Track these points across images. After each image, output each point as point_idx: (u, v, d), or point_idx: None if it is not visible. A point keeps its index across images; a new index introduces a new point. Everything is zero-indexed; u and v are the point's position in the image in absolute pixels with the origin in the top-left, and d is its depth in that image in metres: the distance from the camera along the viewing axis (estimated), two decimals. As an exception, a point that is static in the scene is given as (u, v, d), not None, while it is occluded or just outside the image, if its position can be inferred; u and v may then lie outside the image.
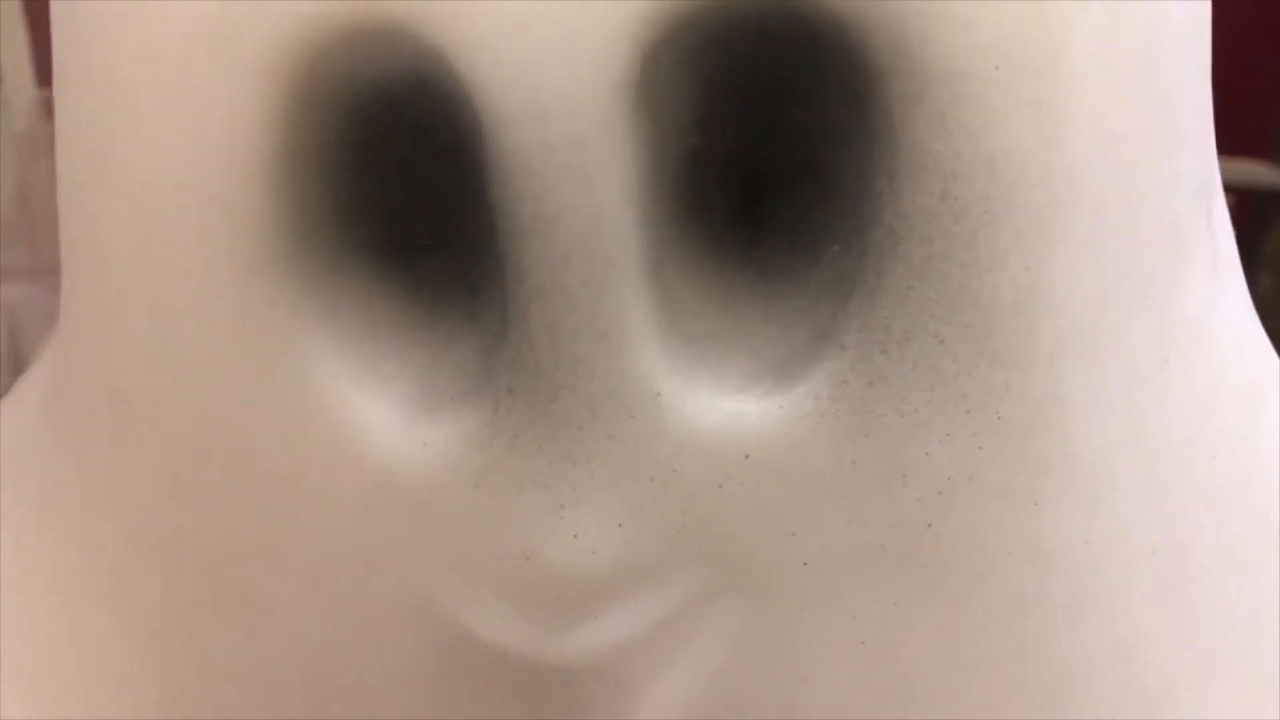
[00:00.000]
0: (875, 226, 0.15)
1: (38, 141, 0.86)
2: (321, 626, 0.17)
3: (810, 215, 0.15)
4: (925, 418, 0.16)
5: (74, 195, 0.18)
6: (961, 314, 0.15)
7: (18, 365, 0.84)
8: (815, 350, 0.16)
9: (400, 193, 0.15)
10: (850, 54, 0.14)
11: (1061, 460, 0.17)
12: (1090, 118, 0.15)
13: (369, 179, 0.15)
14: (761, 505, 0.16)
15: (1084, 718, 0.18)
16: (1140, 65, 0.16)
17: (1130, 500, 0.18)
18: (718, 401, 0.15)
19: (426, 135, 0.15)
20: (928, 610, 0.17)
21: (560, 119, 0.14)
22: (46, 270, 0.86)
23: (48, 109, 0.86)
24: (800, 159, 0.15)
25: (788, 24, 0.14)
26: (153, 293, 0.16)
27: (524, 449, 0.15)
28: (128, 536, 0.18)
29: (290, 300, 0.15)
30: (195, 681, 0.19)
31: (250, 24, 0.14)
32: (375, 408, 0.16)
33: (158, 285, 0.16)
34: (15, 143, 0.84)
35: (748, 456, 0.16)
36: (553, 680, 0.16)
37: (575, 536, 0.16)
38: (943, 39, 0.14)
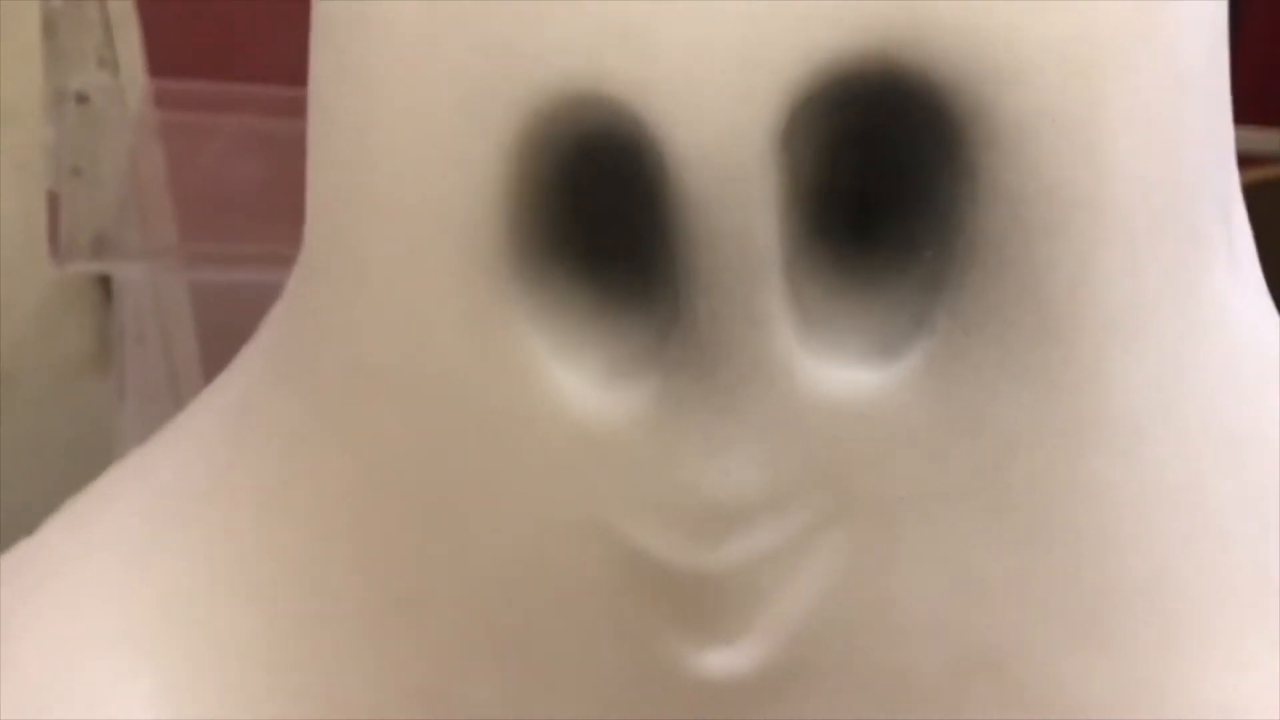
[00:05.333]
0: (959, 238, 0.19)
1: (148, 128, 0.92)
2: (525, 547, 0.22)
3: (910, 228, 0.20)
4: (997, 385, 0.20)
5: (328, 207, 0.23)
6: (1025, 304, 0.20)
7: (134, 337, 0.90)
8: (913, 332, 0.20)
9: (596, 213, 0.20)
10: (942, 110, 0.19)
11: (1104, 418, 0.21)
12: (1126, 155, 0.19)
13: (573, 203, 0.20)
14: (868, 452, 0.20)
15: (1121, 628, 0.23)
16: (1166, 113, 0.20)
17: (1160, 450, 0.22)
18: (837, 372, 0.20)
19: (619, 170, 0.19)
20: (996, 535, 0.21)
21: (724, 162, 0.18)
22: (158, 250, 0.91)
23: (159, 98, 0.91)
24: (904, 186, 0.20)
25: (896, 89, 0.18)
26: (401, 289, 0.21)
27: (689, 407, 0.20)
28: (363, 477, 0.23)
29: (510, 295, 0.20)
30: (413, 594, 0.24)
31: (490, 92, 0.19)
32: (573, 375, 0.20)
33: (406, 283, 0.21)
34: (129, 130, 0.89)
35: (859, 415, 0.20)
36: (706, 585, 0.21)
37: (726, 474, 0.20)
38: (1010, 98, 0.18)
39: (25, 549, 0.29)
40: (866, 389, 0.20)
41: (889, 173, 0.20)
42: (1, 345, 0.89)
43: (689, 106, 0.18)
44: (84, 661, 0.26)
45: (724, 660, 0.22)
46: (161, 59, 0.91)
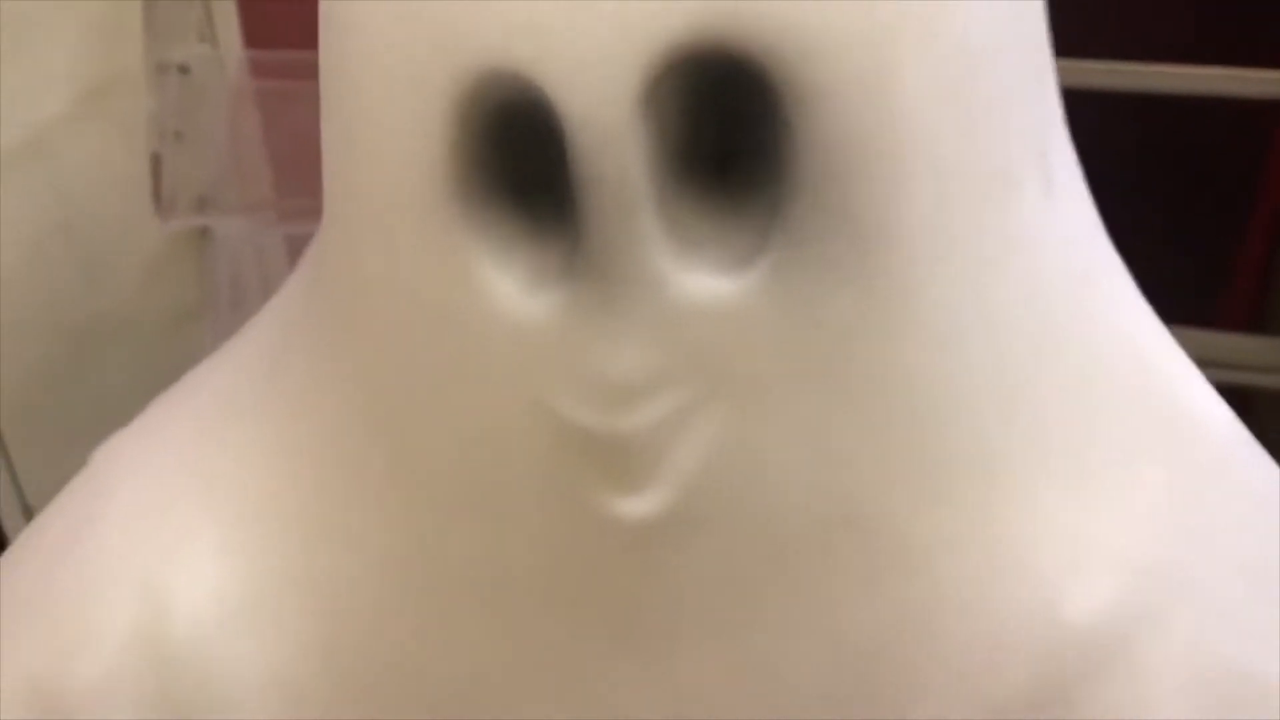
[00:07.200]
0: (787, 178, 0.25)
1: (245, 95, 0.99)
2: (481, 421, 0.28)
3: (755, 169, 0.26)
4: (826, 289, 0.26)
5: (333, 167, 0.29)
6: (846, 225, 0.26)
7: (232, 285, 0.98)
8: (760, 246, 0.26)
9: (518, 157, 0.26)
10: (766, 79, 0.25)
11: (918, 318, 0.27)
12: (920, 113, 0.25)
13: (501, 149, 0.26)
14: (730, 343, 0.27)
15: (950, 489, 0.29)
16: (961, 78, 0.26)
17: (975, 346, 0.28)
18: (702, 280, 0.26)
19: (533, 126, 0.26)
20: (842, 411, 0.27)
21: (601, 123, 0.24)
22: (254, 205, 0.99)
23: (254, 67, 0.99)
24: (747, 135, 0.26)
25: (731, 63, 0.25)
26: (381, 221, 0.28)
27: (592, 309, 0.26)
28: (366, 369, 0.30)
29: (458, 221, 0.27)
30: (404, 461, 0.30)
31: (434, 71, 0.25)
32: (507, 284, 0.27)
33: (383, 216, 0.28)
34: (227, 96, 0.97)
35: (721, 313, 0.26)
36: (617, 444, 0.27)
37: (622, 360, 0.27)
38: (816, 69, 0.24)
39: (126, 429, 0.37)
40: (726, 293, 0.26)
41: (736, 125, 0.26)
42: (116, 296, 0.99)
43: (574, 81, 0.24)
44: (164, 515, 0.34)
45: (636, 505, 0.28)
46: (257, 31, 1.00)
